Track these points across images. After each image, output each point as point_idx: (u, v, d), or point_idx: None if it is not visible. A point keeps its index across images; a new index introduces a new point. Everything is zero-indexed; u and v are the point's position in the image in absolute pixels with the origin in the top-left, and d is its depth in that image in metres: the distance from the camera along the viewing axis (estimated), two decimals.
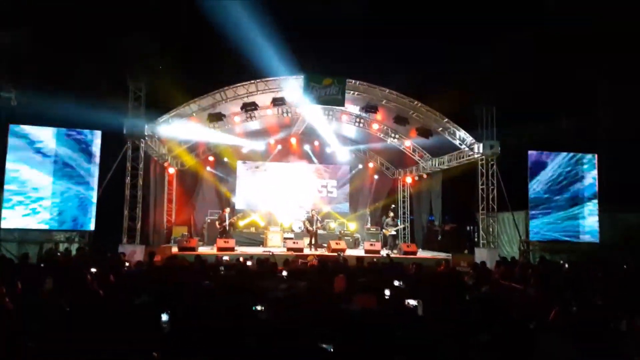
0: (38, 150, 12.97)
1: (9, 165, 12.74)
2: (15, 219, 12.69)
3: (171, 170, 18.14)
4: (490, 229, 15.22)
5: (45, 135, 13.06)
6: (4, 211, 12.63)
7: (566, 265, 11.32)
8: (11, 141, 12.79)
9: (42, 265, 8.41)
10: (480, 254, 14.30)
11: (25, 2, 14.80)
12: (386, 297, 5.33)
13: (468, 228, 19.60)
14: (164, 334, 3.61)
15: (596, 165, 15.85)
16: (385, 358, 3.39)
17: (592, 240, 15.52)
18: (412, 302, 4.49)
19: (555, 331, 4.07)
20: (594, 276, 8.81)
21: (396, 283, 6.05)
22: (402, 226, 19.57)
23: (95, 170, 13.25)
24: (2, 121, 13.61)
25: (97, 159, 13.28)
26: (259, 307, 4.03)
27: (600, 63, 16.89)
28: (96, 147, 13.30)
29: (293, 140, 19.61)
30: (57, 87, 14.27)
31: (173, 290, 5.29)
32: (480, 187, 15.24)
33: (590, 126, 17.52)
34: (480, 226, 15.47)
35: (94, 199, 13.16)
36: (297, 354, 3.24)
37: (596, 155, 15.96)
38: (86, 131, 13.30)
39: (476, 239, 16.51)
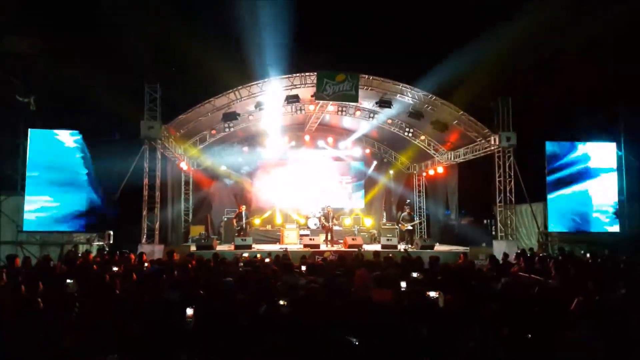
0: (57, 154, 13.18)
1: (29, 169, 12.98)
2: (36, 221, 12.93)
3: (187, 171, 18.29)
4: (509, 221, 15.06)
5: (64, 139, 13.27)
6: (25, 214, 12.87)
7: (587, 256, 11.20)
8: (31, 145, 13.03)
9: (63, 266, 8.56)
10: (499, 247, 14.14)
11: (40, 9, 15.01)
12: (402, 289, 5.34)
13: (485, 221, 19.43)
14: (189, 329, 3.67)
15: (616, 154, 15.62)
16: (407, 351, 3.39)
17: (612, 230, 15.30)
18: (433, 294, 4.49)
19: (577, 322, 4.03)
20: (616, 266, 8.70)
21: (414, 275, 6.05)
22: (418, 221, 19.46)
23: (113, 172, 13.42)
24: (22, 126, 13.88)
25: (115, 161, 13.45)
26: (281, 302, 4.06)
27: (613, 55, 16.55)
28: (114, 149, 13.47)
29: (307, 137, 19.62)
30: (74, 91, 14.48)
31: (194, 287, 5.37)
32: (497, 179, 15.08)
33: (610, 115, 17.20)
34: (498, 218, 15.32)
35: (113, 200, 13.33)
36: (320, 348, 3.26)
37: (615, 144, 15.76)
38: (104, 133, 13.49)
39: (494, 232, 16.34)
